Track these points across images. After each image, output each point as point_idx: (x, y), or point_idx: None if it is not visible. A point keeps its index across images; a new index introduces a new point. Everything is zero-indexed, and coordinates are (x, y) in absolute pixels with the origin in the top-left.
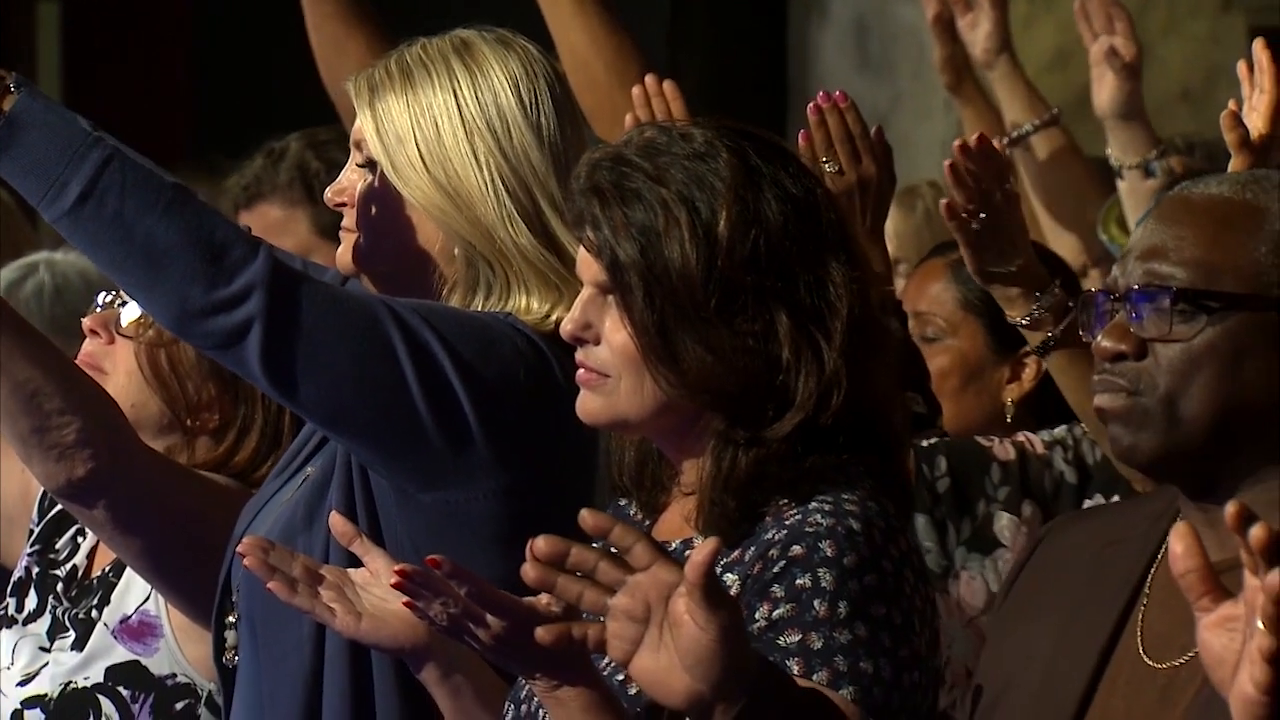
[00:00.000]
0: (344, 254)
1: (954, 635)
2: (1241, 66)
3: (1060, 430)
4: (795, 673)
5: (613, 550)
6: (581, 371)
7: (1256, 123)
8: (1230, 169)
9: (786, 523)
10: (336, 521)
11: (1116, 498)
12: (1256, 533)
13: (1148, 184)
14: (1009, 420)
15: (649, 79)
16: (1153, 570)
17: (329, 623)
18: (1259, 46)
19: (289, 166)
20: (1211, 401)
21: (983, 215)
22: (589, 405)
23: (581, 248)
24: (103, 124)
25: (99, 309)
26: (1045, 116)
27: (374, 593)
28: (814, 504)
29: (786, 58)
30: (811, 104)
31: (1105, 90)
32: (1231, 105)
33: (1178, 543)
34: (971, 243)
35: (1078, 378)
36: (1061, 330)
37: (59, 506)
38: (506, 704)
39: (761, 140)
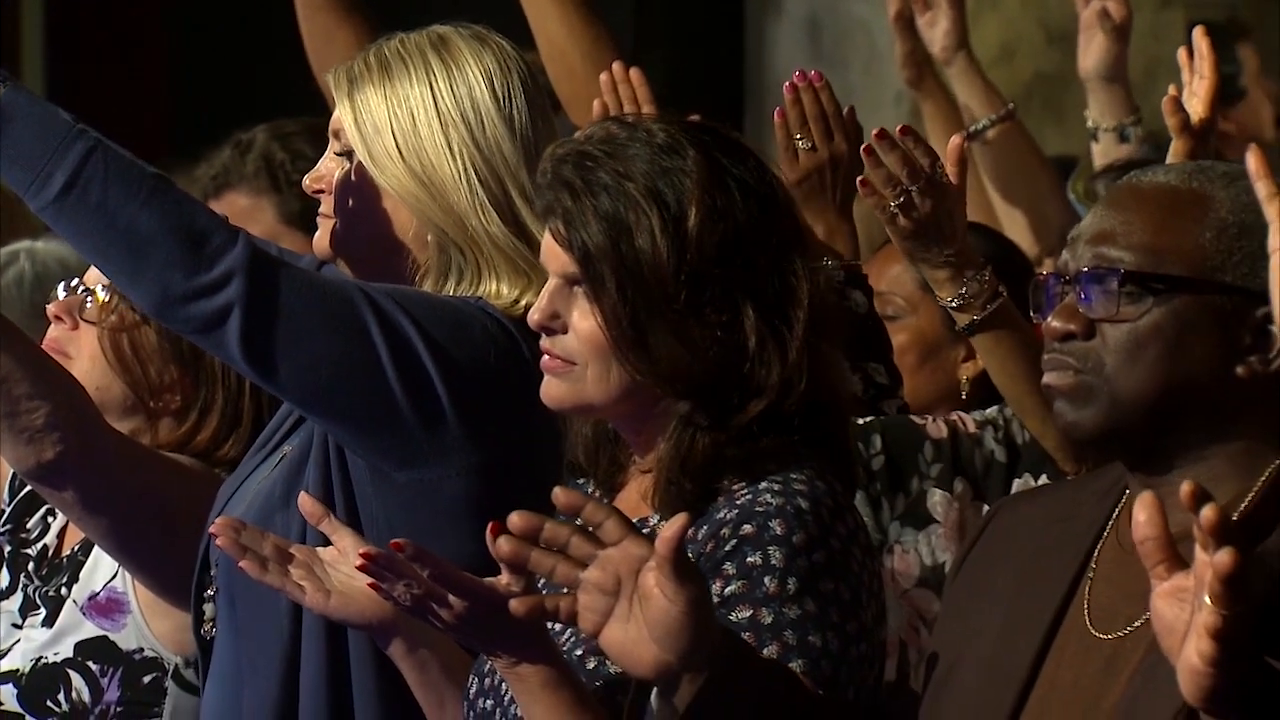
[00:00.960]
0: (321, 239)
1: (888, 607)
2: (1182, 53)
3: (992, 411)
4: None
5: (584, 525)
6: (547, 358)
7: (1197, 108)
8: (1171, 152)
9: (738, 502)
10: (305, 502)
11: (1044, 476)
12: (1207, 513)
13: (1121, 148)
14: (964, 397)
15: (616, 66)
16: (1099, 546)
17: (299, 599)
18: (1199, 35)
19: (255, 157)
20: (1155, 380)
21: (901, 199)
22: (554, 391)
23: (547, 238)
24: (86, 116)
25: (63, 296)
26: (1001, 111)
27: (342, 570)
28: (764, 484)
29: (744, 52)
30: (788, 82)
31: (1093, 51)
32: (1172, 91)
33: (1141, 511)
34: (891, 222)
35: (1002, 358)
36: (988, 313)
37: (29, 486)
38: (470, 676)
39: (721, 136)
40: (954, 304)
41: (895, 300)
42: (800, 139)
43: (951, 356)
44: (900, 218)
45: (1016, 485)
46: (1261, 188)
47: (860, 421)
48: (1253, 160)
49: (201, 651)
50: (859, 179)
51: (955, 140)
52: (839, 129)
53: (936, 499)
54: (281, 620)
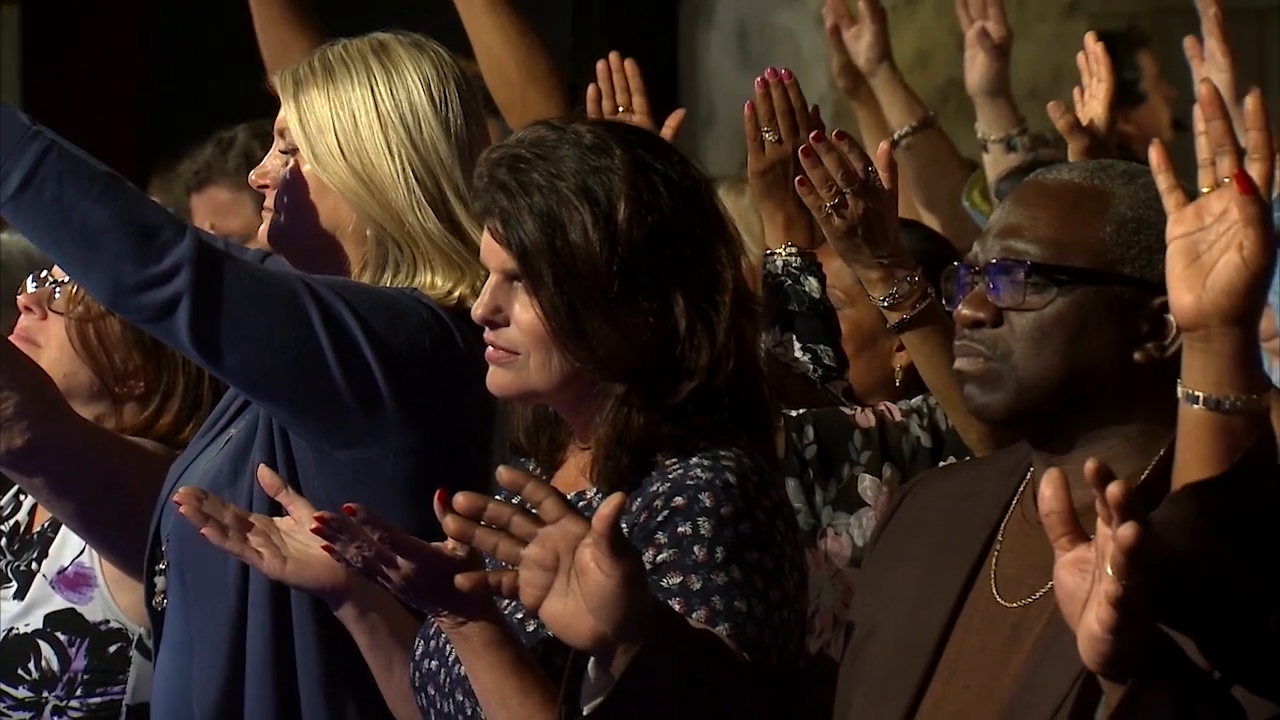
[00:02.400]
0: (264, 231)
1: (822, 586)
2: (1080, 58)
3: (917, 400)
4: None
5: (525, 504)
6: (491, 350)
7: (1096, 108)
8: (1069, 152)
9: (670, 476)
10: (264, 474)
11: (968, 459)
12: (1113, 490)
13: (1010, 157)
14: (898, 384)
15: (612, 56)
16: (1005, 520)
17: (257, 565)
18: (1090, 40)
19: (236, 154)
20: (1059, 365)
21: (836, 200)
22: (499, 380)
23: (487, 237)
24: (61, 121)
25: (33, 288)
26: (921, 118)
27: (297, 539)
28: (694, 459)
29: (677, 58)
30: (759, 78)
31: (976, 69)
32: (1077, 97)
33: (1046, 486)
34: (826, 222)
35: (928, 354)
36: (917, 313)
37: None
38: (416, 639)
39: (645, 135)
40: (885, 303)
41: (835, 293)
42: (767, 132)
43: (887, 346)
44: (835, 218)
45: None
46: (1163, 180)
47: (793, 413)
48: (1155, 155)
49: (154, 622)
50: (797, 179)
51: (883, 147)
52: (805, 124)
53: (866, 484)
54: (229, 592)
